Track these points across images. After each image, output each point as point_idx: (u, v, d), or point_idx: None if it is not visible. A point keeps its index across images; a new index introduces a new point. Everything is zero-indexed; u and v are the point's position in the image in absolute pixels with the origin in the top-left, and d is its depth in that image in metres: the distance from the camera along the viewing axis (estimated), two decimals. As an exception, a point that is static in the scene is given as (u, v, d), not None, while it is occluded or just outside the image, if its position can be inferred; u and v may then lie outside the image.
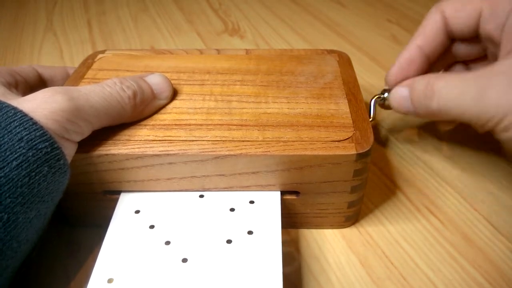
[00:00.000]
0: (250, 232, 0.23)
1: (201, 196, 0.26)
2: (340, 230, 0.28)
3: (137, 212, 0.25)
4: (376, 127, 0.37)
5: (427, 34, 0.27)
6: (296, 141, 0.24)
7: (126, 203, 0.25)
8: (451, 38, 0.28)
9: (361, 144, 0.24)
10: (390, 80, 0.29)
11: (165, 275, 0.21)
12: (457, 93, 0.23)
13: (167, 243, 0.23)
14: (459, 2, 0.26)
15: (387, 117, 0.38)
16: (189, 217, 0.24)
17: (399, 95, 0.27)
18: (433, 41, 0.27)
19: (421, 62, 0.28)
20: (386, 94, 0.29)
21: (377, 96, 0.30)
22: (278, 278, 0.21)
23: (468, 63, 0.30)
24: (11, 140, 0.18)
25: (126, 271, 0.21)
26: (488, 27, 0.25)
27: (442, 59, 0.29)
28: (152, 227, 0.24)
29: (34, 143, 0.19)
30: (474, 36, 0.27)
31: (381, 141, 0.35)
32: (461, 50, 0.28)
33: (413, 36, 0.28)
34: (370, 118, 0.29)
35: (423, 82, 0.25)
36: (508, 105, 0.22)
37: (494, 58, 0.26)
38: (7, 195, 0.18)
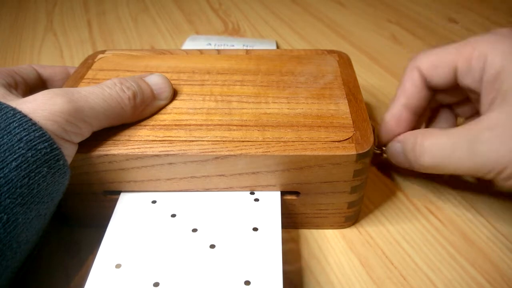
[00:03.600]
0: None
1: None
2: (340, 230, 0.28)
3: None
4: (376, 128, 0.37)
5: (408, 92, 0.28)
6: (296, 141, 0.24)
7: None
8: (432, 90, 0.28)
9: (361, 145, 0.24)
10: (383, 138, 0.29)
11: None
12: (448, 150, 0.24)
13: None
14: (434, 58, 0.27)
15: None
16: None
17: (394, 151, 0.28)
18: (416, 98, 0.28)
19: (408, 118, 0.28)
20: (384, 147, 0.30)
21: (377, 151, 0.30)
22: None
23: (452, 106, 0.30)
24: (10, 140, 0.18)
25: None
26: (466, 82, 0.26)
27: (428, 108, 0.30)
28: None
29: (33, 143, 0.19)
30: (455, 86, 0.27)
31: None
32: (444, 98, 0.29)
33: (395, 95, 0.29)
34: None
35: (411, 140, 0.26)
36: (503, 158, 0.22)
37: (477, 100, 0.26)
38: (6, 195, 0.18)
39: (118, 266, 0.22)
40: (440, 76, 0.26)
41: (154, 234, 0.23)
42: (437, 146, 0.24)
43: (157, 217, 0.24)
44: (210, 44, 0.46)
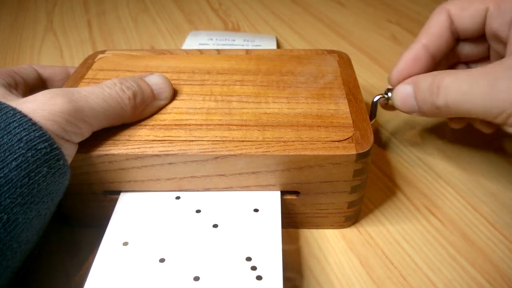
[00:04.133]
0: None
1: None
2: (340, 230, 0.28)
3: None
4: (376, 128, 0.37)
5: (432, 33, 0.27)
6: (296, 141, 0.24)
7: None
8: (455, 38, 0.28)
9: (361, 144, 0.24)
10: (394, 79, 0.28)
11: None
12: (466, 88, 0.23)
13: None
14: (465, 1, 0.26)
15: (387, 117, 0.38)
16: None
17: (403, 92, 0.27)
18: (439, 40, 0.27)
19: (426, 60, 0.27)
20: (389, 94, 0.29)
21: (380, 95, 0.30)
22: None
23: (469, 64, 0.30)
24: (10, 140, 0.18)
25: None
26: (495, 25, 0.25)
27: (445, 60, 0.29)
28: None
29: (33, 143, 0.19)
30: (478, 36, 0.27)
31: (381, 142, 0.35)
32: (464, 51, 0.28)
33: (418, 35, 0.28)
34: (371, 118, 0.29)
35: (428, 79, 0.25)
36: None
37: (497, 57, 0.26)
38: (6, 195, 0.18)
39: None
40: (469, 18, 0.26)
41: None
42: (456, 85, 0.24)
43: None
44: (211, 39, 0.46)
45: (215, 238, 0.23)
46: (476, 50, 0.28)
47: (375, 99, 0.30)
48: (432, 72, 0.26)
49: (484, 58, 0.28)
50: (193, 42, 0.47)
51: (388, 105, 0.30)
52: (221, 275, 0.21)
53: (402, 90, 0.27)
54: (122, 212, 0.25)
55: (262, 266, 0.21)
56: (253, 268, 0.21)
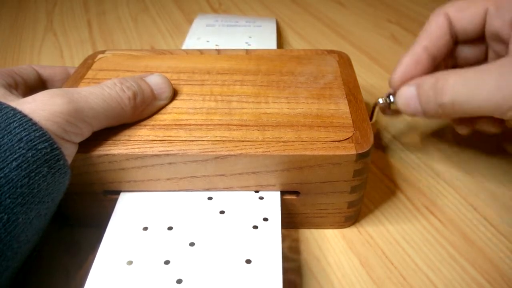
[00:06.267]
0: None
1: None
2: (340, 230, 0.28)
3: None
4: (377, 128, 0.37)
5: (432, 35, 0.27)
6: (296, 141, 0.24)
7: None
8: (454, 41, 0.28)
9: (361, 144, 0.24)
10: (396, 81, 0.28)
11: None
12: (473, 85, 0.23)
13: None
14: (464, 2, 0.26)
15: (387, 118, 0.38)
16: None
17: (407, 94, 0.27)
18: (439, 42, 0.27)
19: (427, 62, 0.27)
20: (391, 98, 0.29)
21: (383, 100, 0.29)
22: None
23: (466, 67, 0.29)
24: (10, 140, 0.18)
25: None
26: (495, 25, 0.25)
27: (443, 63, 0.29)
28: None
29: (33, 143, 0.19)
30: (477, 38, 0.27)
31: (381, 142, 0.35)
32: (462, 54, 0.28)
33: (417, 38, 0.28)
34: (371, 120, 0.29)
35: (432, 79, 0.25)
36: None
37: (496, 59, 0.26)
38: (7, 195, 0.18)
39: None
40: (468, 19, 0.26)
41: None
42: (461, 82, 0.23)
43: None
44: (217, 21, 0.51)
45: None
46: (474, 52, 0.28)
47: (380, 101, 0.29)
48: (435, 73, 0.26)
49: (482, 61, 0.28)
50: (201, 22, 0.51)
51: (390, 109, 0.29)
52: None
53: (406, 92, 0.27)
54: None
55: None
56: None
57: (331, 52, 0.33)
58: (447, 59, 0.29)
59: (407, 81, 0.27)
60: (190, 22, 0.57)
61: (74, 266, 0.26)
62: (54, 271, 0.26)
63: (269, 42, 0.46)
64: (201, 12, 0.60)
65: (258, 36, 0.47)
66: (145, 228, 0.24)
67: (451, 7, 0.27)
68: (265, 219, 0.24)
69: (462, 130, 0.30)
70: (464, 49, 0.28)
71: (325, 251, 0.27)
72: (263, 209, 0.25)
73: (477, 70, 0.23)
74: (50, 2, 0.65)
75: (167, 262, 0.22)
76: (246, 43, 0.45)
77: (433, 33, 0.27)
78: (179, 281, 0.21)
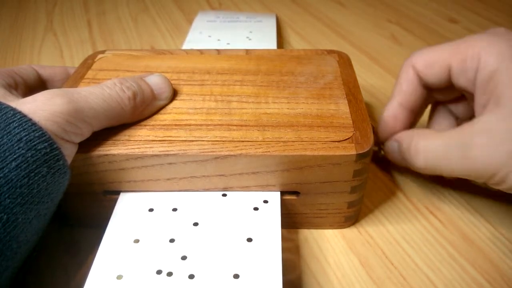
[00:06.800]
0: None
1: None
2: (340, 230, 0.28)
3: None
4: (376, 128, 0.37)
5: (404, 91, 0.28)
6: (296, 141, 0.24)
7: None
8: (428, 88, 0.28)
9: (361, 145, 0.24)
10: (381, 136, 0.30)
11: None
12: (441, 153, 0.24)
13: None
14: (428, 57, 0.27)
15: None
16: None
17: (391, 150, 0.28)
18: (411, 96, 0.28)
19: (405, 116, 0.28)
20: (382, 145, 0.30)
21: (376, 147, 0.30)
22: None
23: (448, 104, 0.30)
24: (10, 140, 0.18)
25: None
26: (460, 82, 0.25)
27: (424, 104, 0.30)
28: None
29: (33, 143, 0.19)
30: (450, 86, 0.27)
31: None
32: (440, 96, 0.29)
33: (392, 92, 0.29)
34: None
35: (407, 141, 0.26)
36: (494, 163, 0.22)
37: (472, 101, 0.26)
38: (6, 195, 0.18)
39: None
40: (434, 75, 0.26)
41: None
42: (431, 148, 0.25)
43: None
44: (218, 17, 0.52)
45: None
46: (451, 95, 0.29)
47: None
48: (411, 132, 0.27)
49: (461, 98, 0.29)
50: (202, 18, 0.52)
51: (380, 155, 0.31)
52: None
53: (390, 147, 0.29)
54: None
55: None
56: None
57: (331, 52, 0.33)
58: (428, 99, 0.29)
59: (391, 134, 0.29)
60: (190, 22, 0.57)
61: (74, 266, 0.26)
62: (54, 271, 0.26)
63: (269, 36, 0.47)
64: (201, 11, 0.60)
65: (259, 31, 0.48)
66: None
67: (418, 61, 0.27)
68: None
69: (449, 177, 0.30)
70: (440, 93, 0.29)
71: (325, 251, 0.27)
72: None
73: (443, 136, 0.24)
74: (50, 2, 0.65)
75: (172, 241, 0.23)
76: (247, 37, 0.46)
77: (405, 89, 0.28)
78: (183, 258, 0.22)
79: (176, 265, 0.22)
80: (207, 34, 0.47)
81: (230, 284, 0.21)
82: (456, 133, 0.24)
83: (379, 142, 0.30)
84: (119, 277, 0.21)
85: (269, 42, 0.46)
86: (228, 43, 0.45)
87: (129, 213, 0.25)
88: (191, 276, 0.21)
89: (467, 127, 0.23)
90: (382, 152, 0.30)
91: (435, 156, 0.24)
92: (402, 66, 0.28)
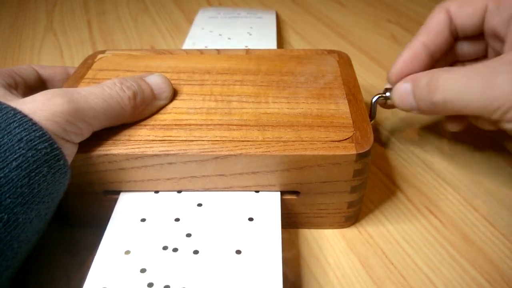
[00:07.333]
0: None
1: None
2: (340, 230, 0.28)
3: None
4: (376, 127, 0.37)
5: (431, 31, 0.27)
6: (296, 141, 0.24)
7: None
8: (454, 37, 0.28)
9: (361, 144, 0.24)
10: (393, 77, 0.28)
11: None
12: (463, 84, 0.23)
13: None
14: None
15: (387, 117, 0.38)
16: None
17: (402, 90, 0.27)
18: (438, 38, 0.27)
19: (425, 58, 0.28)
20: (388, 93, 0.29)
21: (379, 95, 0.30)
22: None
23: (467, 63, 0.30)
24: (10, 140, 0.19)
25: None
26: (494, 22, 0.25)
27: (443, 59, 0.29)
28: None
29: (33, 143, 0.19)
30: (477, 35, 0.27)
31: (381, 141, 0.35)
32: (462, 50, 0.29)
33: (416, 33, 0.28)
34: (371, 118, 0.29)
35: (427, 76, 0.25)
36: None
37: (495, 56, 0.26)
38: (7, 195, 0.18)
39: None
40: (468, 15, 0.26)
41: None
42: (453, 81, 0.24)
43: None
44: (219, 13, 0.53)
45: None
46: (474, 49, 0.28)
47: (374, 99, 0.30)
48: (430, 70, 0.26)
49: (482, 58, 0.29)
50: (204, 15, 0.53)
51: (387, 104, 0.30)
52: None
53: (401, 88, 0.27)
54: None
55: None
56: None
57: (331, 52, 0.33)
58: (447, 55, 0.29)
59: (404, 76, 0.28)
60: (190, 22, 0.57)
61: (74, 266, 0.26)
62: (54, 271, 0.26)
63: (269, 32, 0.48)
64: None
65: (259, 27, 0.49)
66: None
67: (453, 3, 0.27)
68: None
69: (453, 128, 0.30)
70: (464, 45, 0.28)
71: (325, 251, 0.27)
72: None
73: (468, 69, 0.24)
74: (50, 2, 0.65)
75: (177, 220, 0.24)
76: (248, 33, 0.47)
77: (432, 29, 0.27)
78: (188, 235, 0.23)
79: (181, 241, 0.23)
80: (209, 29, 0.48)
81: (233, 258, 0.22)
82: (482, 65, 0.23)
83: (387, 89, 0.29)
84: (127, 252, 0.22)
85: (269, 38, 0.46)
86: (229, 38, 0.46)
87: (136, 196, 0.25)
88: (196, 252, 0.22)
89: (494, 59, 0.23)
90: (389, 101, 0.29)
91: (455, 88, 0.23)
92: (433, 10, 0.28)
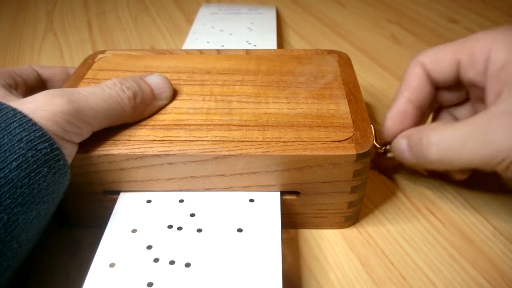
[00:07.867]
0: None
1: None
2: (340, 230, 0.28)
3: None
4: (376, 128, 0.37)
5: (413, 87, 0.28)
6: (296, 141, 0.24)
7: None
8: (435, 87, 0.28)
9: (361, 145, 0.24)
10: (387, 135, 0.29)
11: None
12: (457, 142, 0.23)
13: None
14: (437, 53, 0.27)
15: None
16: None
17: (399, 147, 0.28)
18: (420, 93, 0.28)
19: (413, 112, 0.28)
20: (388, 146, 0.29)
21: (382, 148, 0.30)
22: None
23: (450, 108, 0.30)
24: (10, 141, 0.19)
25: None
26: (470, 75, 0.25)
27: (429, 107, 0.29)
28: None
29: (33, 143, 0.19)
30: (456, 84, 0.27)
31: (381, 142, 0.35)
32: (445, 97, 0.29)
33: (399, 89, 0.29)
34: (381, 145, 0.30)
35: (417, 136, 0.26)
36: None
37: (478, 100, 0.26)
38: (7, 195, 0.18)
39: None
40: (443, 70, 0.26)
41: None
42: (445, 139, 0.24)
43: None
44: (221, 9, 0.55)
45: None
46: (456, 95, 0.28)
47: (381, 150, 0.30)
48: (420, 126, 0.26)
49: (465, 101, 0.29)
50: (206, 11, 0.54)
51: (387, 156, 0.30)
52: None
53: (398, 144, 0.28)
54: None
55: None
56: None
57: (331, 52, 0.33)
58: (432, 103, 0.29)
59: (398, 132, 0.28)
60: (190, 22, 0.57)
61: (74, 266, 0.26)
62: (54, 271, 0.26)
63: (269, 27, 0.49)
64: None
65: (259, 22, 0.50)
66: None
67: (426, 58, 0.27)
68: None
69: (459, 177, 0.30)
70: (446, 93, 0.29)
71: (325, 251, 0.27)
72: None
73: (457, 126, 0.24)
74: (50, 2, 0.65)
75: (181, 201, 0.25)
76: (248, 28, 0.48)
77: (413, 84, 0.28)
78: (192, 215, 0.24)
79: (185, 221, 0.24)
80: (211, 25, 0.49)
81: (234, 236, 0.23)
82: (473, 121, 0.23)
83: (385, 142, 0.29)
84: (134, 231, 0.23)
85: (269, 33, 0.47)
86: (230, 33, 0.47)
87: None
88: (199, 230, 0.23)
89: (484, 114, 0.23)
90: (389, 154, 0.29)
91: (449, 146, 0.24)
92: (408, 65, 0.28)
